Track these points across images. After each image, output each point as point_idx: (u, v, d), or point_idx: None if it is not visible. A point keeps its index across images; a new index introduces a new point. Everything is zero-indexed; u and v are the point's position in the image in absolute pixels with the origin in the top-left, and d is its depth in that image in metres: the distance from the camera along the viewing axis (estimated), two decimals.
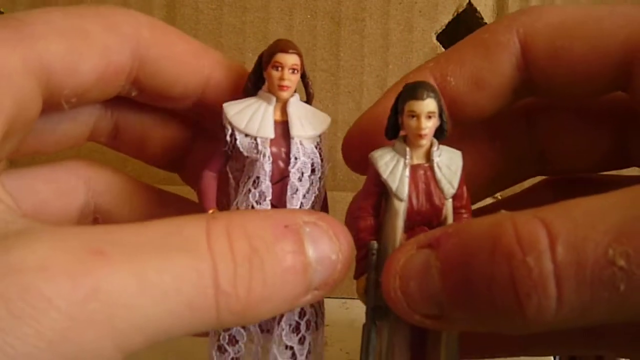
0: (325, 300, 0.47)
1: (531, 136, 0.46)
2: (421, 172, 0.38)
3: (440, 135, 0.39)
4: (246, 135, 0.41)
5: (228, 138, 0.41)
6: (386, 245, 0.38)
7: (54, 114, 0.41)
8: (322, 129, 0.43)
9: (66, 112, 0.41)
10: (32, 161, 0.52)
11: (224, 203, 0.43)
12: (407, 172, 0.38)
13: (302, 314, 0.41)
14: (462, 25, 0.71)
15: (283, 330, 0.41)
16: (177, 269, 0.29)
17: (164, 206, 0.46)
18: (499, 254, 0.30)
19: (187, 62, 0.43)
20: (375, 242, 0.38)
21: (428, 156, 0.38)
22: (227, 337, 0.41)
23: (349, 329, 0.55)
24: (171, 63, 0.42)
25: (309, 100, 0.44)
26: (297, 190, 0.41)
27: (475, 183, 0.41)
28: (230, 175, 0.43)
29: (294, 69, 0.41)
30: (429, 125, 0.37)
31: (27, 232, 0.28)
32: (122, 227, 0.30)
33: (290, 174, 0.41)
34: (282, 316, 0.40)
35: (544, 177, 0.50)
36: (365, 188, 0.40)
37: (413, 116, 0.37)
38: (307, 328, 0.41)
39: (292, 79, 0.41)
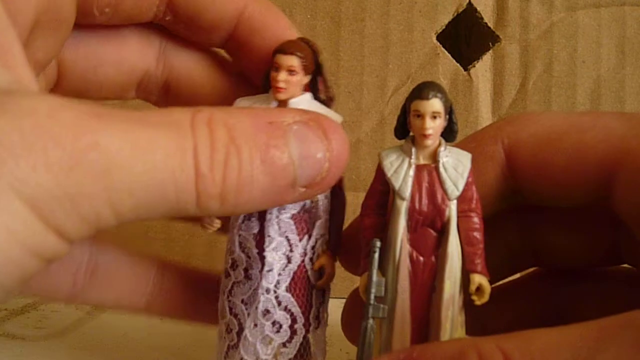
0: None
1: (523, 234, 0.47)
2: (426, 172, 0.38)
3: (449, 136, 0.39)
4: None
5: None
6: (389, 244, 0.38)
7: (97, 55, 0.43)
8: None
9: (110, 57, 0.43)
10: None
11: None
12: (412, 172, 0.38)
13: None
14: (462, 25, 0.72)
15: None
16: (165, 143, 0.30)
17: None
18: None
19: None
20: (377, 239, 0.38)
21: (435, 157, 0.39)
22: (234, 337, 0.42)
23: None
24: None
25: (328, 102, 0.43)
26: None
27: None
28: None
29: (291, 71, 0.41)
30: (433, 126, 0.38)
31: (35, 92, 0.30)
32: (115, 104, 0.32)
33: None
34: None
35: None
36: (372, 186, 0.40)
37: (418, 116, 0.38)
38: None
39: (288, 81, 0.41)
